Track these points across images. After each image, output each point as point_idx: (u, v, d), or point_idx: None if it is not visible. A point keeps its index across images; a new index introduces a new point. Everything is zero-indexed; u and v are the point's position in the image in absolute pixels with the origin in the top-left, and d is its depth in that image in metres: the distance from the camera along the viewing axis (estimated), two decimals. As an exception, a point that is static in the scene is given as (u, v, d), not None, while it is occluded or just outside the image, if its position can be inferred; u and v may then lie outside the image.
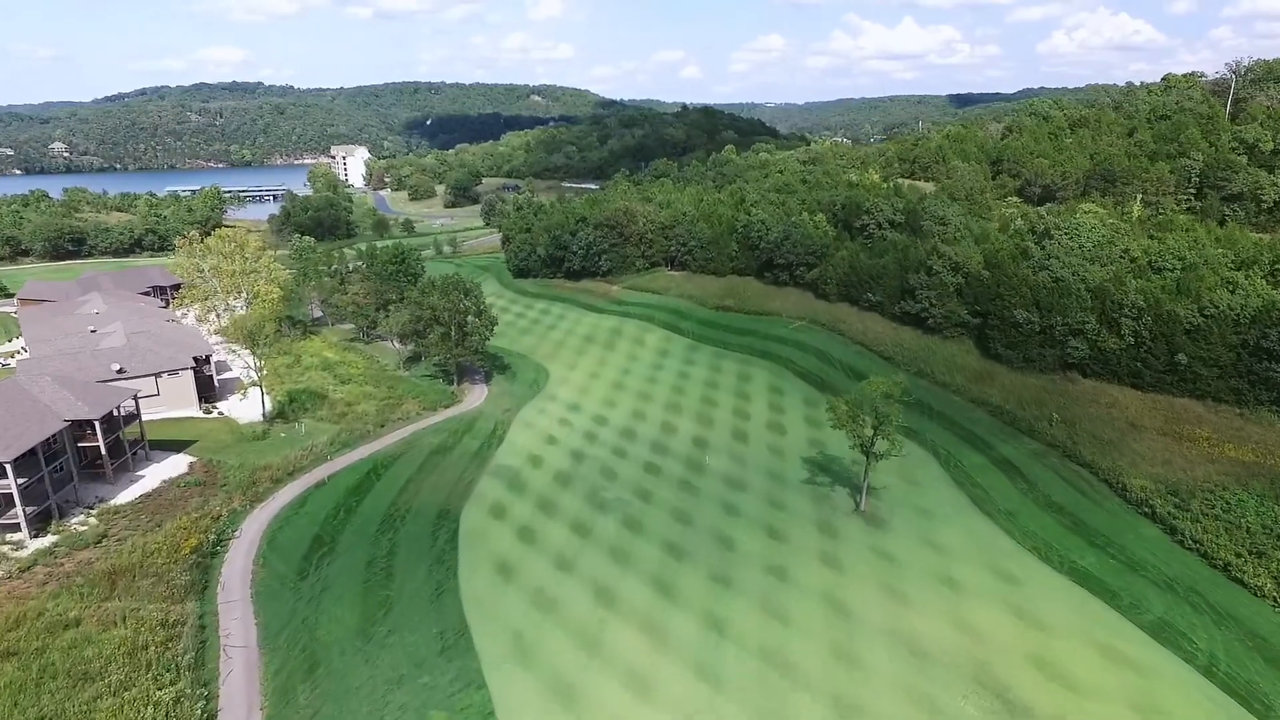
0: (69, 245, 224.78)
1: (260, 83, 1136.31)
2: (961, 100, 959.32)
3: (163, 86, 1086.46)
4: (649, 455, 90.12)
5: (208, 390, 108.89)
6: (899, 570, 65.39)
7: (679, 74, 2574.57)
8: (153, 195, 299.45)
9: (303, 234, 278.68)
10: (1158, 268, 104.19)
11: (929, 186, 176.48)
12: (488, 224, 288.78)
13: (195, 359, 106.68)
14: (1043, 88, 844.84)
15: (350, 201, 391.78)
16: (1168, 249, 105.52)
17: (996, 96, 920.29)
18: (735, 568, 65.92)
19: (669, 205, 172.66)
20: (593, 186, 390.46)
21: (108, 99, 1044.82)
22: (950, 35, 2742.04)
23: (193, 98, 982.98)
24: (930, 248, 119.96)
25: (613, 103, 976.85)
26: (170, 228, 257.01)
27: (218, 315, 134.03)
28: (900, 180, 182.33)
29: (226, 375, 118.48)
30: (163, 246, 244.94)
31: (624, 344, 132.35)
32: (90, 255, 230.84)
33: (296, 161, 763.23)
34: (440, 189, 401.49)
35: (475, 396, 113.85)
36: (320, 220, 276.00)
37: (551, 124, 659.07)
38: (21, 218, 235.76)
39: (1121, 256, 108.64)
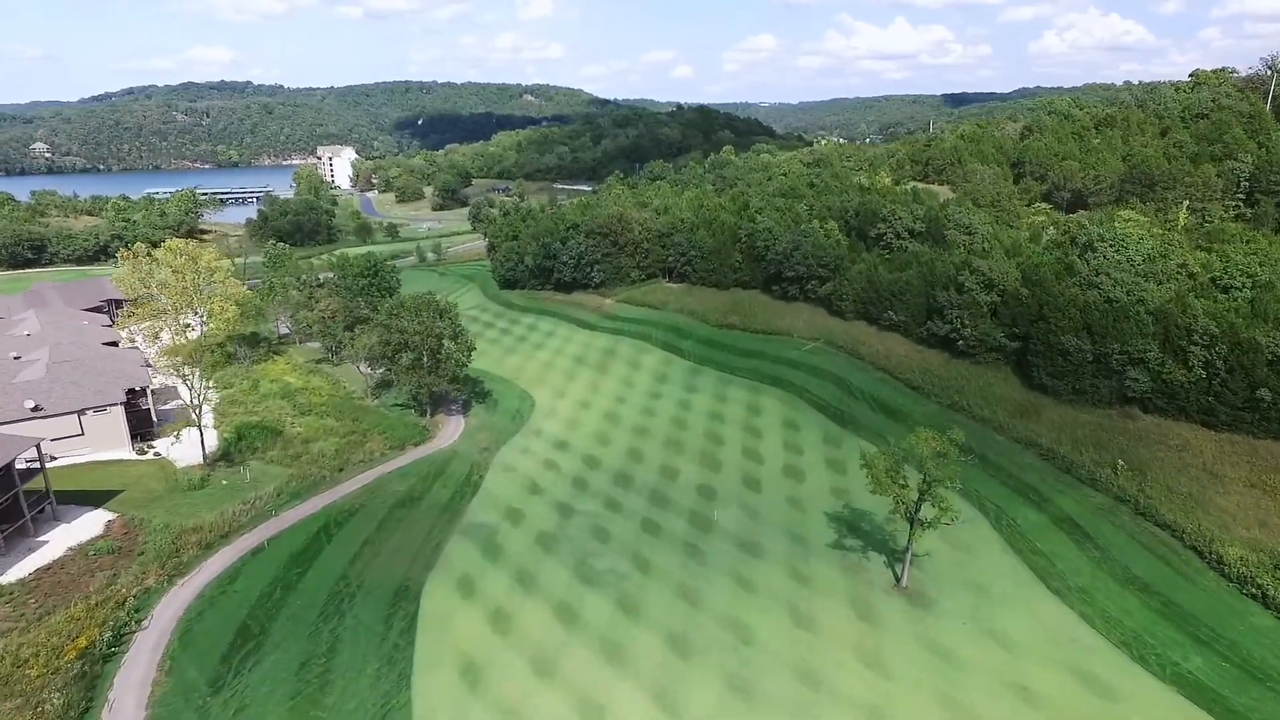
0: (28, 253, 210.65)
1: (249, 82, 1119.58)
2: (956, 100, 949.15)
3: (150, 86, 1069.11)
4: (647, 509, 77.38)
5: (145, 426, 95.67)
6: (958, 674, 52.82)
7: (670, 74, 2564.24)
8: (124, 198, 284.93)
9: (280, 239, 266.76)
10: (1224, 286, 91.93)
11: (945, 191, 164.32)
12: (475, 228, 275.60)
13: (129, 391, 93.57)
14: (1039, 86, 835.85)
15: (335, 204, 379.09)
16: (1234, 264, 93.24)
17: (991, 96, 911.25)
18: (757, 671, 53.27)
19: (666, 211, 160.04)
20: (586, 188, 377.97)
21: (94, 99, 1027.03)
22: (942, 35, 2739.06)
23: (180, 97, 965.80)
24: (961, 261, 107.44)
25: (606, 102, 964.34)
26: (140, 233, 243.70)
27: (172, 334, 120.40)
28: (913, 184, 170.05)
29: (174, 404, 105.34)
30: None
31: (618, 366, 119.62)
32: (51, 263, 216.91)
33: (285, 162, 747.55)
34: (429, 191, 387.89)
35: (450, 430, 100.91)
36: (300, 225, 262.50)
37: (544, 124, 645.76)
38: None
39: (1179, 272, 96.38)
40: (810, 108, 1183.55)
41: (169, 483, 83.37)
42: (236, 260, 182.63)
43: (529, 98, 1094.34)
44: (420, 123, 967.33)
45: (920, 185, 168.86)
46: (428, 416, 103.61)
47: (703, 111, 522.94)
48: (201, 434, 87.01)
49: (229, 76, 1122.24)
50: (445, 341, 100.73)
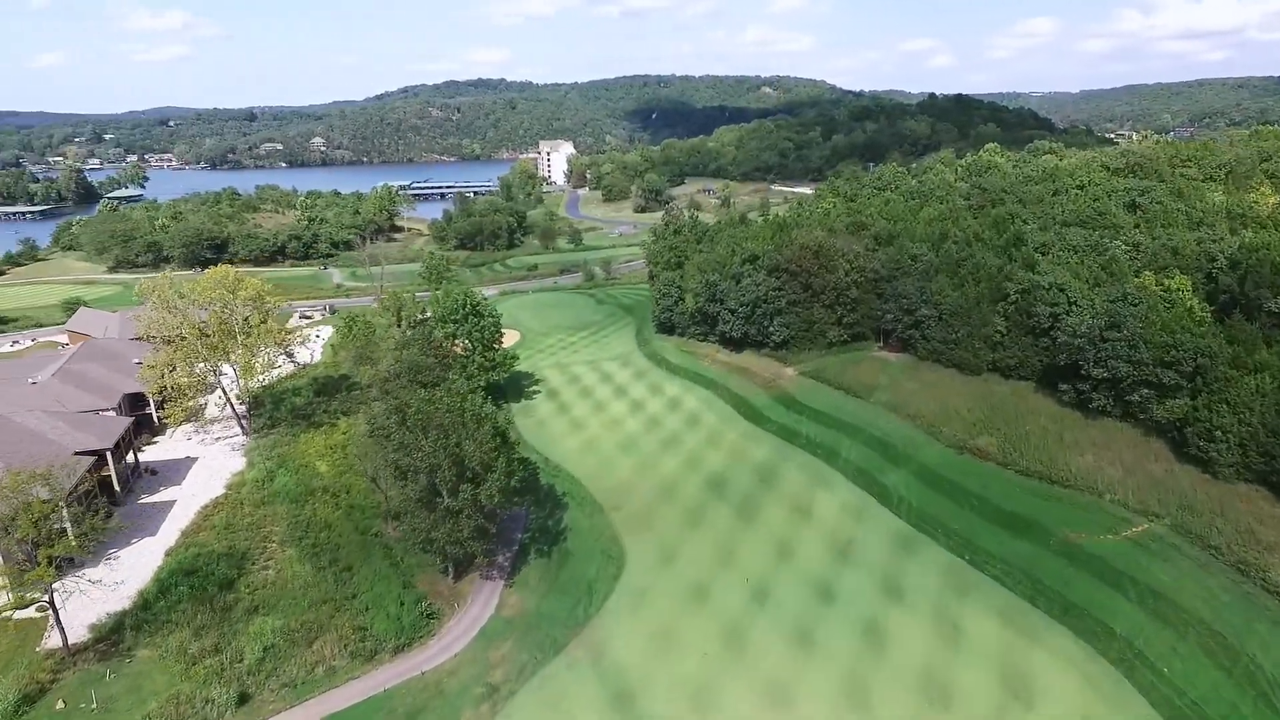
0: (207, 252, 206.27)
1: (503, 79, 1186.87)
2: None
3: (420, 85, 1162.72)
4: None
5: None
6: None
7: (927, 63, 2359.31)
8: (316, 194, 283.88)
9: (461, 243, 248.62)
10: None
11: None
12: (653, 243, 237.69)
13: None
14: None
15: (541, 202, 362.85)
16: None
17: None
18: None
19: (891, 240, 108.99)
20: (806, 190, 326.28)
21: (375, 98, 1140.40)
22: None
23: (441, 95, 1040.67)
24: None
25: (849, 94, 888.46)
26: (330, 231, 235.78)
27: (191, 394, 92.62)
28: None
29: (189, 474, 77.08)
30: (307, 254, 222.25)
31: (776, 508, 73.23)
32: (230, 263, 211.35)
33: (521, 156, 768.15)
34: (635, 189, 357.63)
35: (469, 617, 61.61)
36: (480, 227, 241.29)
37: (775, 117, 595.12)
38: (180, 216, 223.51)
39: None
40: (1095, 96, 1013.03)
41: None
42: (373, 270, 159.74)
43: (766, 90, 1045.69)
44: (654, 116, 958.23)
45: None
46: (449, 576, 65.21)
47: (960, 101, 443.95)
48: (56, 614, 54.97)
49: (501, 75, 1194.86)
50: (475, 467, 61.38)
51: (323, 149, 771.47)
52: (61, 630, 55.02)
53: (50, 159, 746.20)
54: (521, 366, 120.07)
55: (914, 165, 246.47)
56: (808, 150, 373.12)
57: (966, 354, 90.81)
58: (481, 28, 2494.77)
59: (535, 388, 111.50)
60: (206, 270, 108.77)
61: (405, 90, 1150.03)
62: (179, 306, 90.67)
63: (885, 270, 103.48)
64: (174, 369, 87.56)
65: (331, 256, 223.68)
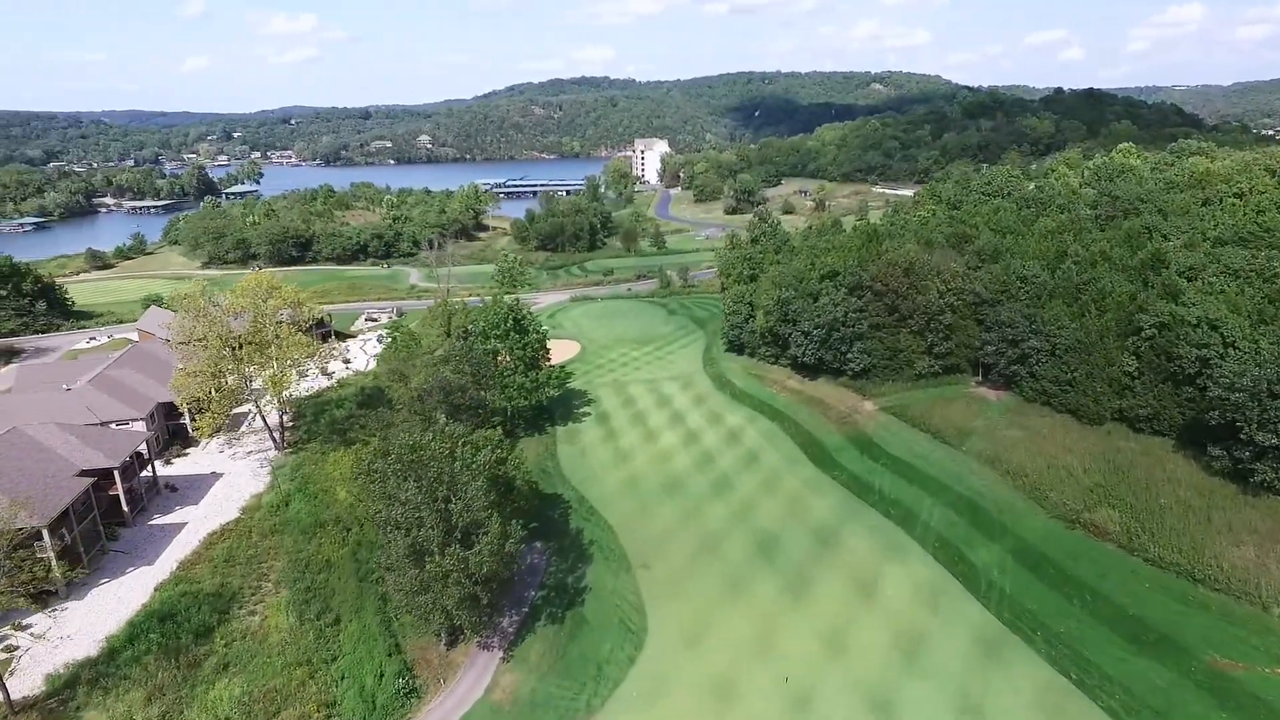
0: (293, 250, 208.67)
1: (606, 77, 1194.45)
2: None
3: (526, 84, 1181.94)
4: None
5: (113, 517, 62.61)
6: None
7: (1056, 56, 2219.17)
8: (406, 191, 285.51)
9: (541, 244, 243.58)
10: None
11: None
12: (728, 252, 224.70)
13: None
14: None
15: (629, 200, 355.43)
16: None
17: None
18: None
19: (996, 257, 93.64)
20: (909, 193, 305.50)
21: (483, 96, 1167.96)
22: None
23: (545, 93, 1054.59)
24: None
25: (965, 89, 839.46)
26: (414, 229, 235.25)
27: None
28: None
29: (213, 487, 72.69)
30: (388, 253, 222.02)
31: (834, 581, 61.10)
32: (314, 261, 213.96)
33: (619, 154, 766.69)
34: (727, 189, 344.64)
35: (457, 694, 52.94)
36: (561, 228, 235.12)
37: (882, 115, 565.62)
38: (272, 214, 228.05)
39: None
40: (1249, 90, 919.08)
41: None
42: (439, 272, 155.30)
43: (877, 86, 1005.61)
44: (756, 114, 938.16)
45: None
46: (442, 642, 56.76)
47: (1090, 96, 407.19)
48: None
49: (605, 74, 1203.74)
50: (465, 532, 52.56)
51: (429, 146, 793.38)
52: (4, 689, 49.65)
53: (184, 156, 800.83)
54: (576, 383, 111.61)
55: (1033, 167, 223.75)
56: (915, 150, 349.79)
57: (1085, 398, 75.32)
58: (592, 26, 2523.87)
59: (586, 409, 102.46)
60: (246, 274, 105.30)
61: (511, 89, 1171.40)
62: (210, 314, 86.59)
63: (988, 292, 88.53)
64: (200, 379, 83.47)
65: (413, 256, 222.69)
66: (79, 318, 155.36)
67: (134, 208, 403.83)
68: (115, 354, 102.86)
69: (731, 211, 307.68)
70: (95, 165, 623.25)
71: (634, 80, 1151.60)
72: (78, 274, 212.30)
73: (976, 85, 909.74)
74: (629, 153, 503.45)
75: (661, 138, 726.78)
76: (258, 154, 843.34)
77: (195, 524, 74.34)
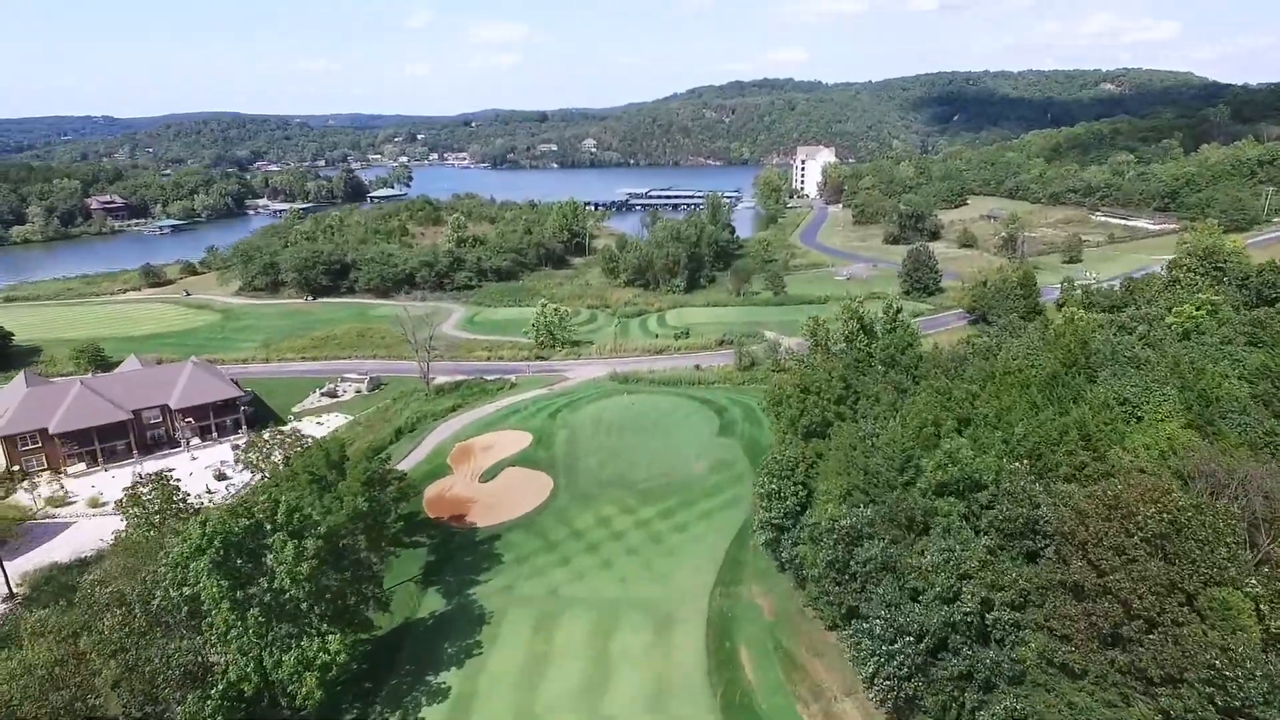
0: (322, 279, 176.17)
1: (790, 79, 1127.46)
2: None
3: (705, 86, 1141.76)
4: None
5: None
6: None
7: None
8: (509, 205, 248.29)
9: (632, 279, 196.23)
10: None
11: None
12: (906, 292, 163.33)
13: None
14: None
15: (774, 219, 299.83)
16: None
17: None
18: None
19: None
20: (1147, 224, 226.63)
21: (664, 99, 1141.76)
22: None
23: (723, 95, 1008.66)
24: None
25: (1224, 87, 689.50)
26: (483, 255, 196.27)
27: None
28: None
29: None
30: (441, 284, 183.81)
31: None
32: (350, 291, 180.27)
33: (790, 160, 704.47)
34: (892, 210, 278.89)
35: None
36: (651, 260, 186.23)
37: (1113, 118, 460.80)
38: (312, 237, 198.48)
39: None
40: None
41: None
42: (416, 337, 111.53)
43: (1107, 86, 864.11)
44: (954, 118, 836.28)
45: None
46: None
47: None
48: None
49: (790, 76, 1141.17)
50: None
51: (593, 150, 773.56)
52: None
53: (369, 156, 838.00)
54: (496, 578, 63.91)
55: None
56: (1158, 166, 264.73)
57: None
58: (786, 26, 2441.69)
59: (478, 640, 54.32)
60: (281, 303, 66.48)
61: (692, 92, 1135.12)
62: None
63: None
64: None
65: (471, 289, 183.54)
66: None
67: (276, 210, 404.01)
68: None
69: (893, 240, 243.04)
70: (292, 165, 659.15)
71: (821, 82, 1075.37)
72: (121, 292, 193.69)
73: (1237, 83, 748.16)
74: (783, 161, 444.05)
75: (841, 144, 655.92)
76: (435, 155, 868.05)
77: None
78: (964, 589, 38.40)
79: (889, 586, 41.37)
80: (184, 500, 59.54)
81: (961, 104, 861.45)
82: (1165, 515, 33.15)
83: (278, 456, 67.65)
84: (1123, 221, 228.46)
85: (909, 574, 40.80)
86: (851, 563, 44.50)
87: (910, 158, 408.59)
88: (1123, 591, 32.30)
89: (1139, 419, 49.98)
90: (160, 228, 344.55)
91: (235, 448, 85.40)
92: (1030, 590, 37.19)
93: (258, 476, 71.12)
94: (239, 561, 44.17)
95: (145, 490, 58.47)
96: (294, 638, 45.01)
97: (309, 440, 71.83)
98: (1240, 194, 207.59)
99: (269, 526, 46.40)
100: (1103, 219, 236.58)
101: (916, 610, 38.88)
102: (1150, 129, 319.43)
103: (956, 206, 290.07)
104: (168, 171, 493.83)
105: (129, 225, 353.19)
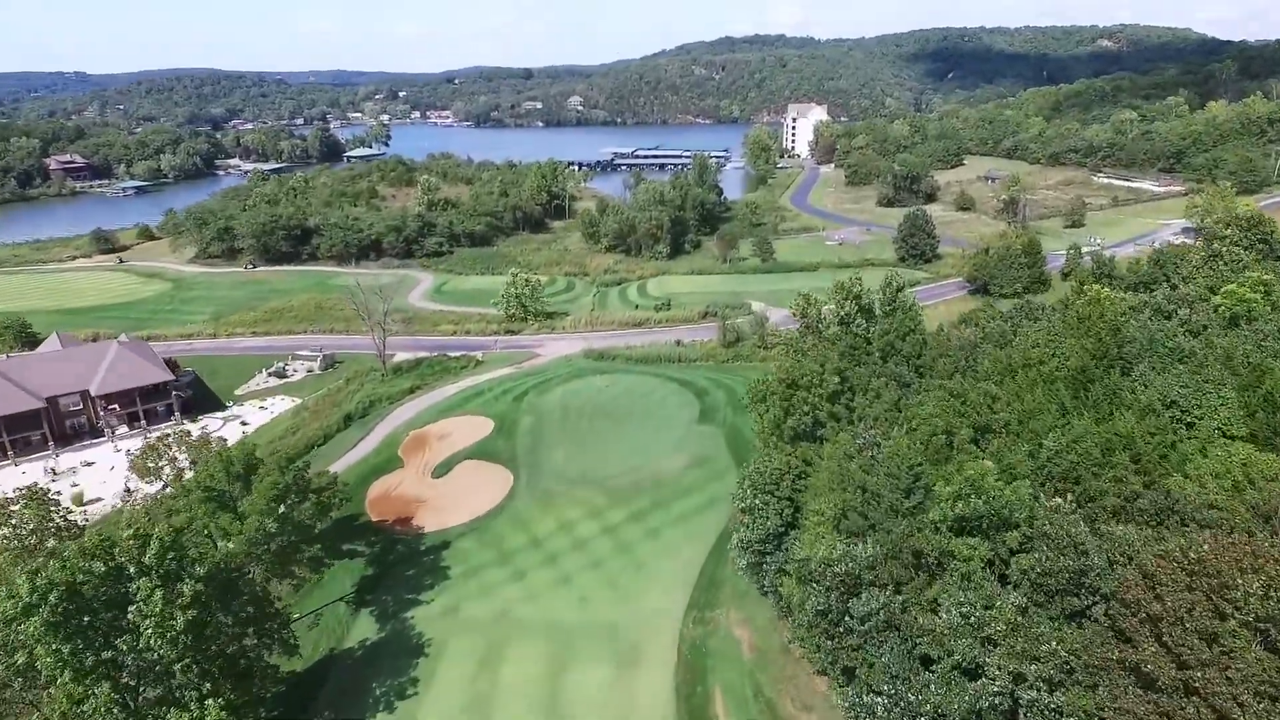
0: (282, 245, 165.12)
1: (781, 35, 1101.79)
2: None
3: (695, 42, 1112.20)
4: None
5: None
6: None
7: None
8: (487, 165, 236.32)
9: (613, 245, 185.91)
10: None
11: None
12: (902, 259, 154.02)
13: None
14: None
15: (763, 181, 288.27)
16: None
17: None
18: None
19: None
20: (1151, 185, 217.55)
21: (652, 55, 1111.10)
22: None
23: (712, 51, 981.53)
24: None
25: (1224, 43, 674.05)
26: (454, 219, 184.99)
27: None
28: None
29: None
30: (409, 251, 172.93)
31: None
32: (312, 258, 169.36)
33: (781, 118, 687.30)
34: (886, 171, 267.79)
35: None
36: (633, 224, 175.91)
37: (1112, 75, 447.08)
38: (275, 200, 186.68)
39: None
40: None
41: None
42: (369, 310, 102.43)
43: (1104, 42, 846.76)
44: (949, 76, 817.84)
45: None
46: None
47: None
48: None
49: (781, 32, 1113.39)
50: None
51: (579, 108, 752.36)
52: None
53: (349, 115, 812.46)
54: (445, 593, 55.95)
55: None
56: (1160, 121, 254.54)
57: None
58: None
59: (413, 677, 46.47)
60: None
61: (681, 48, 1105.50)
62: None
63: None
64: None
65: (442, 256, 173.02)
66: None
67: (245, 171, 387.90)
68: None
69: (887, 203, 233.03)
70: (269, 123, 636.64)
71: (813, 38, 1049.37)
72: (72, 259, 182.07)
73: (1241, 39, 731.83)
74: (773, 120, 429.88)
75: (834, 102, 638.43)
76: (417, 113, 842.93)
77: None
78: (988, 660, 30.44)
79: (894, 651, 33.41)
80: (64, 516, 50.72)
81: (957, 60, 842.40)
82: (1276, 591, 25.02)
83: (183, 461, 58.73)
84: (1126, 183, 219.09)
85: (919, 635, 32.86)
86: (847, 616, 36.46)
87: (905, 116, 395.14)
88: (1218, 697, 24.33)
89: (1189, 425, 41.66)
90: (124, 189, 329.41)
91: (129, 454, 75.23)
92: (1075, 665, 29.23)
93: (157, 485, 62.23)
94: (87, 619, 35.50)
95: (16, 506, 49.63)
96: (165, 705, 36.60)
97: (219, 442, 62.69)
98: (1250, 154, 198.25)
99: (132, 569, 37.66)
100: (1105, 180, 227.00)
101: (932, 688, 30.96)
102: (1153, 85, 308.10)
103: (953, 167, 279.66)
104: (137, 130, 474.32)
105: (90, 186, 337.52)
